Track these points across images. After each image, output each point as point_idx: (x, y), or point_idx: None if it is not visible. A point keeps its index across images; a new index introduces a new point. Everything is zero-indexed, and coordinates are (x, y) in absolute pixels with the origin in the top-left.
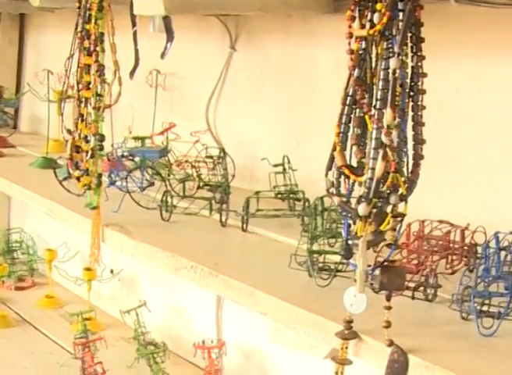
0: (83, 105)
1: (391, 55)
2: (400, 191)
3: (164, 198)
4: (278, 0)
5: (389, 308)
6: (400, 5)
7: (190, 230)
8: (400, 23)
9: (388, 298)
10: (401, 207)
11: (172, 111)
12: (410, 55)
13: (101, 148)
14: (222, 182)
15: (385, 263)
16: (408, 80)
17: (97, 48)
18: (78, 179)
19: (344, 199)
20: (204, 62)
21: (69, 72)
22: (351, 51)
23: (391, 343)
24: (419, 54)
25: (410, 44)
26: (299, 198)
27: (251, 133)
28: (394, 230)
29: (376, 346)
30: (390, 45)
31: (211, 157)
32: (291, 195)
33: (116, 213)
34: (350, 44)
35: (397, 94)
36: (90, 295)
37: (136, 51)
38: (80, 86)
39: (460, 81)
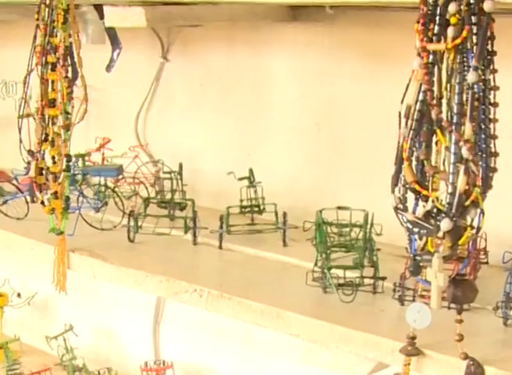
0: (48, 123)
1: (465, 68)
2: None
3: (134, 218)
4: (246, 10)
5: (460, 321)
6: (474, 19)
7: (163, 250)
8: (474, 37)
9: (459, 312)
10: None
11: (89, 125)
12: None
13: (69, 170)
14: (189, 199)
15: (457, 277)
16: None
17: (66, 63)
18: (43, 203)
19: (416, 215)
20: (130, 74)
21: (27, 88)
22: (425, 66)
23: (466, 356)
24: (491, 67)
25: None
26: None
27: (191, 146)
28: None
29: (442, 360)
30: (465, 59)
31: (168, 172)
32: (261, 209)
33: (71, 237)
34: (423, 58)
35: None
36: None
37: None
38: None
39: None
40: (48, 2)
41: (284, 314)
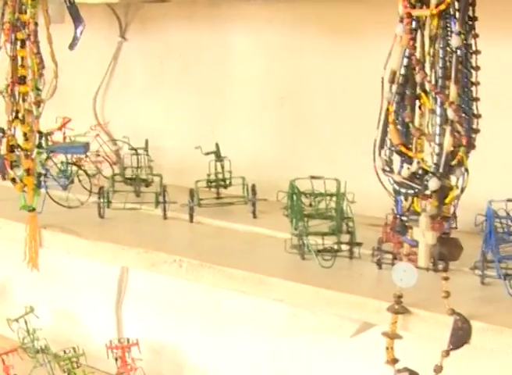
0: (18, 100)
1: (449, 34)
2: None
3: (105, 194)
4: None
5: (446, 278)
6: None
7: (135, 225)
8: (456, 3)
9: (445, 270)
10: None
11: (47, 104)
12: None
13: (41, 146)
14: (157, 174)
15: (442, 236)
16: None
17: (37, 39)
18: (13, 180)
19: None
20: (88, 53)
21: None
22: (410, 31)
23: (453, 312)
24: (473, 32)
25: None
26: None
27: (152, 123)
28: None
29: (428, 317)
30: (448, 24)
31: (134, 149)
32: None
33: (39, 215)
34: (408, 23)
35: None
36: None
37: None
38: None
39: None
40: None
41: (267, 280)
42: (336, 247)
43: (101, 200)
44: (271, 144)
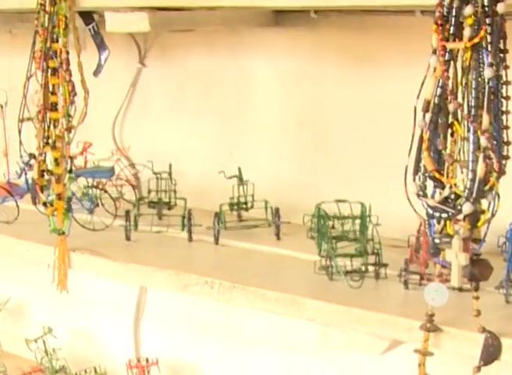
0: (49, 127)
1: (481, 65)
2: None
3: (135, 218)
4: (237, 16)
5: (477, 298)
6: (488, 20)
7: (162, 247)
8: (488, 36)
9: (476, 289)
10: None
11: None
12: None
13: (71, 171)
14: (181, 198)
15: (474, 257)
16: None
17: (69, 68)
18: (45, 204)
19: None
20: (107, 79)
21: (27, 93)
22: (445, 63)
23: (484, 329)
24: (504, 64)
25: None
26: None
27: (171, 148)
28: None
29: (459, 335)
30: (480, 56)
31: (159, 173)
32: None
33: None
34: (442, 55)
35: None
36: None
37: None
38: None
39: None
40: (47, 9)
41: (299, 300)
42: (363, 268)
43: (128, 223)
44: (290, 167)
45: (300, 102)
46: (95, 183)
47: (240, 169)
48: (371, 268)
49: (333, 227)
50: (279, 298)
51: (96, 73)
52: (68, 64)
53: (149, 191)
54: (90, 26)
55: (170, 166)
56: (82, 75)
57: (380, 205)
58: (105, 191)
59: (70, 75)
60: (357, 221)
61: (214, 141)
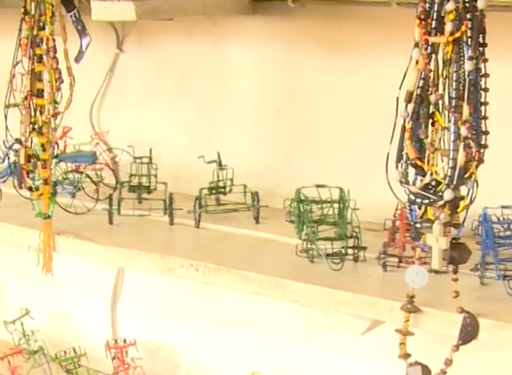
0: (35, 113)
1: (461, 58)
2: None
3: (118, 202)
4: (216, 4)
5: (456, 280)
6: (468, 15)
7: (144, 231)
8: (468, 31)
9: (455, 272)
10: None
11: None
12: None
13: (57, 156)
14: (163, 182)
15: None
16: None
17: (56, 55)
18: (31, 189)
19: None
20: (84, 64)
21: (13, 80)
22: (428, 56)
23: (462, 310)
24: (483, 57)
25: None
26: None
27: (148, 133)
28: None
29: (439, 315)
30: (461, 50)
31: (139, 158)
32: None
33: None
34: (426, 49)
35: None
36: None
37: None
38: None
39: None
40: None
41: (283, 282)
42: (343, 251)
43: (111, 207)
44: (267, 153)
45: (277, 89)
46: (75, 168)
47: (219, 154)
48: (350, 251)
49: (311, 211)
50: (262, 280)
51: (77, 59)
52: (55, 51)
53: (130, 176)
54: (72, 13)
55: (150, 150)
56: (68, 62)
57: (356, 189)
58: (87, 176)
59: (57, 62)
60: (336, 205)
61: (192, 127)
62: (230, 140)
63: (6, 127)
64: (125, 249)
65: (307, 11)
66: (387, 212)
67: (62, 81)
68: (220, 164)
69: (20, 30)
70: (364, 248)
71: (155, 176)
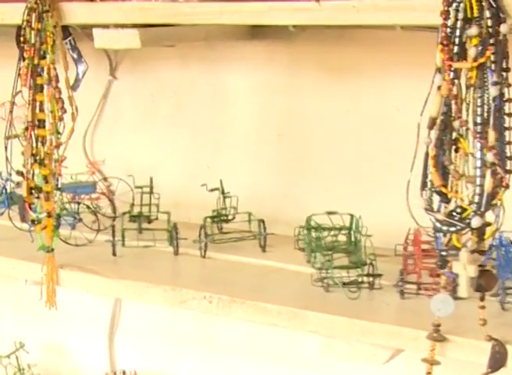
0: (37, 144)
1: (485, 84)
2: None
3: (122, 233)
4: (218, 30)
5: (483, 307)
6: (492, 40)
7: (150, 262)
8: (492, 56)
9: (482, 299)
10: None
11: None
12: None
13: (60, 189)
14: (166, 212)
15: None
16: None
17: (59, 84)
18: (33, 221)
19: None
20: (77, 92)
21: (13, 110)
22: (451, 81)
23: (491, 338)
24: (507, 82)
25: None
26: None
27: (145, 161)
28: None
29: (466, 344)
30: (484, 75)
31: (140, 187)
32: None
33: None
34: (449, 74)
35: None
36: None
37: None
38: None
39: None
40: (33, 25)
41: (302, 313)
42: (359, 279)
43: (114, 238)
44: (269, 179)
45: (278, 115)
46: (72, 198)
47: (221, 182)
48: (365, 278)
49: (318, 238)
50: (280, 311)
51: (74, 87)
52: (57, 81)
53: (132, 205)
54: (67, 40)
55: (151, 179)
56: (69, 91)
57: (360, 215)
58: (87, 206)
59: (59, 92)
60: (345, 232)
61: (190, 154)
62: (230, 166)
63: (7, 159)
64: (133, 282)
65: (308, 35)
66: (393, 237)
67: (65, 111)
68: (223, 192)
69: (20, 59)
70: (380, 276)
71: (157, 205)
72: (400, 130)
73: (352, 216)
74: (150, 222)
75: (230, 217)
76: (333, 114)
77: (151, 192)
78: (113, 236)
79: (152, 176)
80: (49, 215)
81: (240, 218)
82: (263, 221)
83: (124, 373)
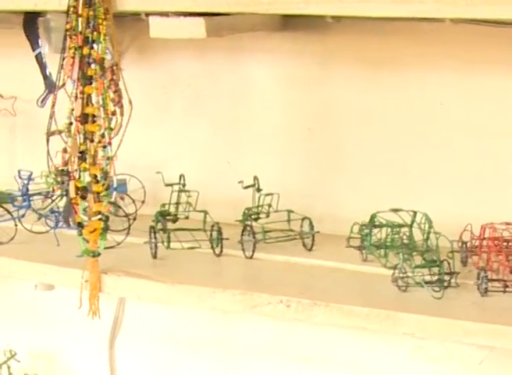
0: (86, 140)
1: None
2: None
3: (168, 235)
4: (262, 19)
5: None
6: None
7: (195, 264)
8: None
9: None
10: None
11: (14, 138)
12: None
13: (108, 188)
14: (203, 210)
15: None
16: None
17: (115, 77)
18: (80, 224)
19: None
20: None
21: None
22: None
23: None
24: None
25: None
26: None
27: (157, 156)
28: None
29: None
30: None
31: (170, 185)
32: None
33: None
34: None
35: None
36: None
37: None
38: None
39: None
40: (80, 12)
41: (394, 315)
42: (442, 277)
43: (156, 239)
44: (297, 175)
45: (309, 109)
46: None
47: (256, 178)
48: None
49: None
50: (369, 313)
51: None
52: (113, 73)
53: (164, 205)
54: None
55: (183, 177)
56: (123, 84)
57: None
58: (119, 207)
59: (116, 85)
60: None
61: (208, 149)
62: (253, 162)
63: (49, 155)
64: (194, 287)
65: (343, 26)
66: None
67: (122, 105)
68: (258, 189)
69: (64, 48)
70: (458, 273)
71: (189, 203)
72: (443, 125)
73: (425, 214)
74: (175, 221)
75: (264, 216)
76: (370, 108)
77: (186, 190)
78: (155, 237)
79: (161, 172)
80: (107, 217)
81: (277, 217)
82: (309, 219)
83: None
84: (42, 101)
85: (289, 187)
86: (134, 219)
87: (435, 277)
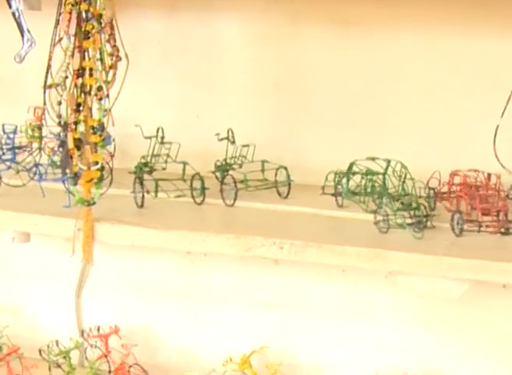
0: (82, 93)
1: None
2: None
3: (156, 184)
4: None
5: None
6: None
7: (181, 212)
8: None
9: None
10: None
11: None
12: None
13: (104, 139)
14: (183, 162)
15: None
16: None
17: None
18: (76, 174)
19: None
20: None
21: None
22: None
23: None
24: None
25: None
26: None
27: (128, 112)
28: None
29: None
30: None
31: (149, 137)
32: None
33: (68, 209)
34: None
35: None
36: None
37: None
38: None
39: None
40: None
41: (383, 253)
42: (422, 220)
43: (143, 189)
44: (266, 128)
45: (277, 65)
46: None
47: (231, 131)
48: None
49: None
50: (360, 252)
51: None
52: (112, 28)
53: (143, 157)
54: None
55: (162, 129)
56: (120, 38)
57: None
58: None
59: (114, 40)
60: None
61: (176, 105)
62: (221, 116)
63: (45, 108)
64: (190, 232)
65: None
66: None
67: (120, 59)
68: (232, 141)
69: (60, 4)
70: (434, 216)
71: (167, 155)
72: (409, 81)
73: (401, 163)
74: (150, 172)
75: (237, 167)
76: (337, 65)
77: (162, 142)
78: (142, 187)
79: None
80: (102, 167)
81: (250, 167)
82: (286, 168)
83: (99, 329)
84: (20, 57)
85: (259, 140)
86: (111, 171)
87: (415, 219)
